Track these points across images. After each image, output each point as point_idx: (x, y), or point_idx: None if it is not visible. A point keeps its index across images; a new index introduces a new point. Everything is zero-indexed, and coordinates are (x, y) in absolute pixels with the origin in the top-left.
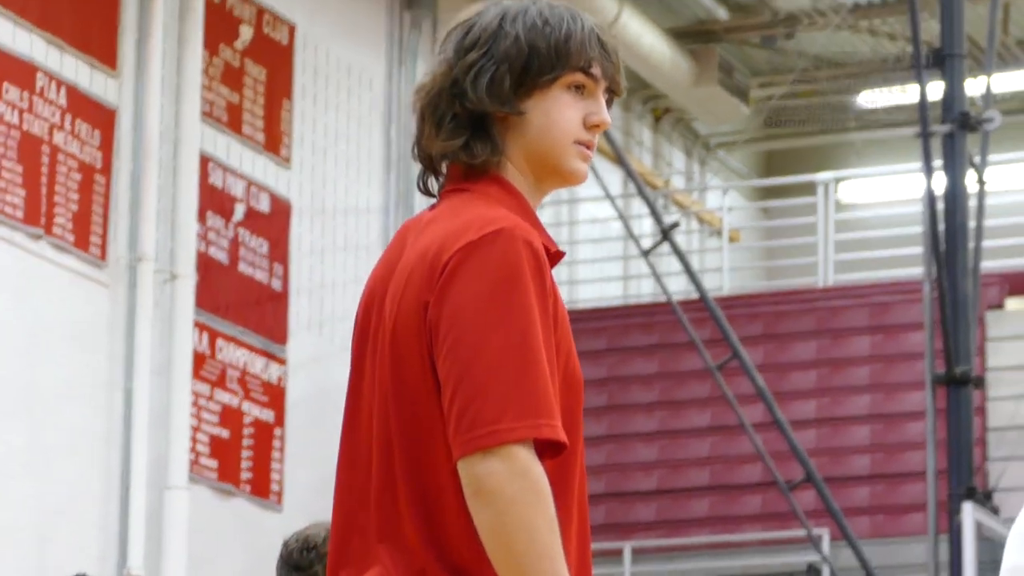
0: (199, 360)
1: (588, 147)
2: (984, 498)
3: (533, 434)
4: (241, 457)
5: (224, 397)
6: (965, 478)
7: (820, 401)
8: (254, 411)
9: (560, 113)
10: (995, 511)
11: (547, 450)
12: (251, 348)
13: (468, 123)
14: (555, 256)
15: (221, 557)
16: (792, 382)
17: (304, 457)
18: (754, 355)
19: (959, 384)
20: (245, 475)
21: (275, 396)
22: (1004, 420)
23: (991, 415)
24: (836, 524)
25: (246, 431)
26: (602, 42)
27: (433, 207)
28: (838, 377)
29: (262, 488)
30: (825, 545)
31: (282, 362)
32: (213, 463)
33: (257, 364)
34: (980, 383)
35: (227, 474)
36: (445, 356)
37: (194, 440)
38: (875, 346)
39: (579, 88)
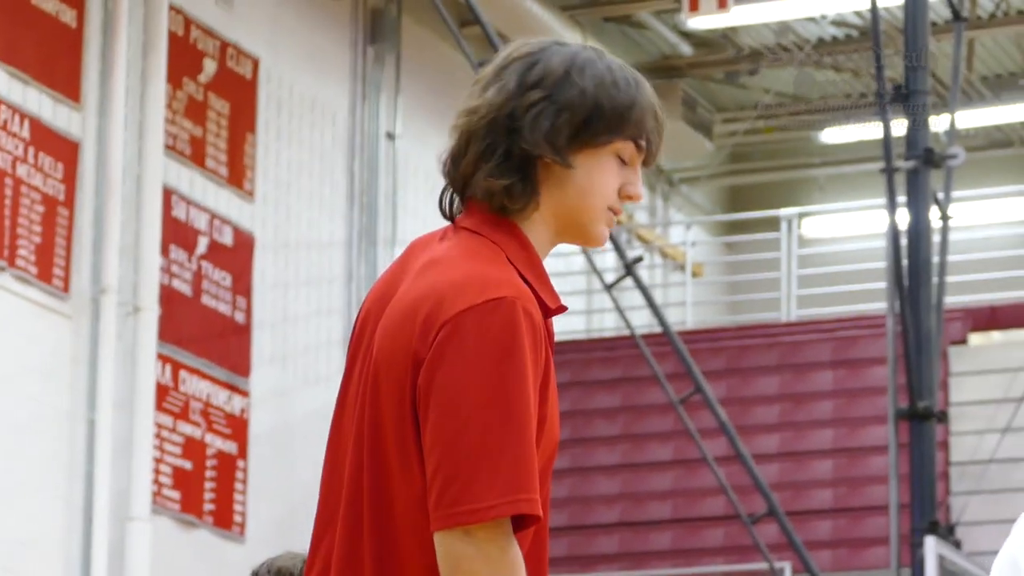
0: (162, 392)
1: (616, 214)
2: (947, 532)
3: (512, 511)
4: (204, 488)
5: (187, 429)
6: (928, 512)
7: (783, 435)
8: (217, 443)
9: (603, 177)
10: (957, 545)
11: (524, 520)
12: (214, 380)
13: (517, 164)
14: (556, 311)
15: None
16: (755, 416)
17: (267, 489)
18: (717, 389)
19: (922, 419)
20: (208, 507)
21: (238, 428)
22: (967, 455)
23: (954, 449)
24: (798, 557)
25: (209, 463)
26: (657, 118)
27: (444, 235)
28: (801, 411)
29: (225, 520)
30: None
31: (245, 394)
32: (176, 494)
33: (220, 396)
34: (943, 418)
35: (190, 505)
36: (433, 424)
37: (157, 471)
38: (838, 380)
39: (623, 160)
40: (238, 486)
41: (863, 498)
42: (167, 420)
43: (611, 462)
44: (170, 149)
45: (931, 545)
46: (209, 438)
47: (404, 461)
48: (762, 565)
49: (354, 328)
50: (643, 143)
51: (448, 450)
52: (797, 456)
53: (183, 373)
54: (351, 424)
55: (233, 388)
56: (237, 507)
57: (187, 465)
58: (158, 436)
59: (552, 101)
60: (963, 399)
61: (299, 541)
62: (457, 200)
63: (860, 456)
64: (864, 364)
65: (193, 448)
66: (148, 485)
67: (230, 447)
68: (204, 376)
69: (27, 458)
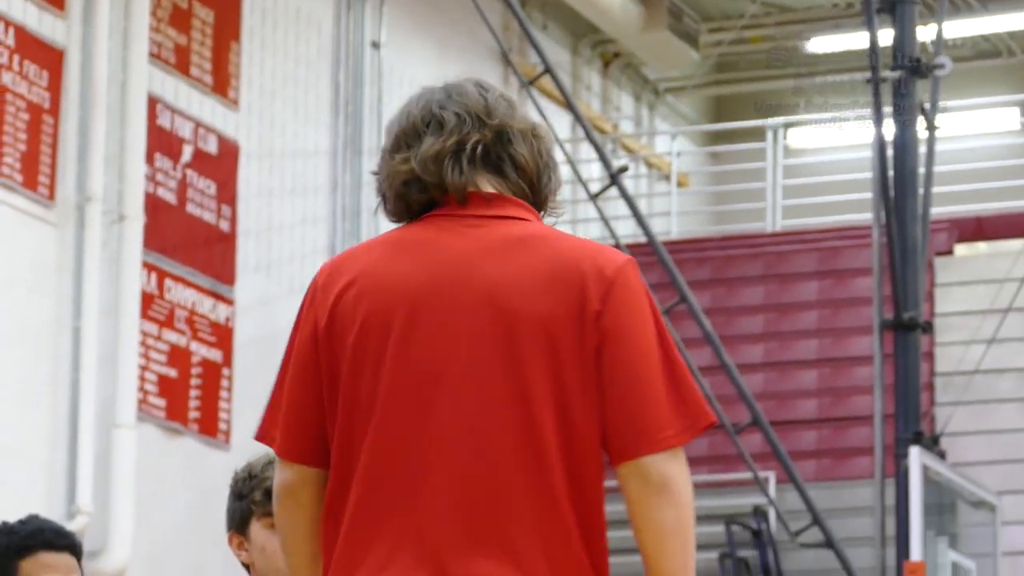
0: (147, 300)
1: None
2: (931, 443)
3: (692, 436)
4: (189, 396)
5: (172, 337)
6: (912, 423)
7: (767, 345)
8: (202, 351)
9: None
10: (942, 455)
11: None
12: (199, 288)
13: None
14: None
15: (169, 495)
16: (740, 326)
17: (252, 397)
18: (702, 299)
19: (907, 329)
20: (193, 414)
21: (223, 336)
22: (951, 365)
23: (939, 360)
24: (783, 467)
25: (194, 371)
26: None
27: (481, 223)
28: (786, 321)
29: (210, 427)
30: (771, 488)
31: (230, 303)
32: (161, 402)
33: (205, 304)
34: (928, 328)
35: (175, 413)
36: (626, 361)
37: (142, 379)
38: (823, 291)
39: None
40: (223, 394)
41: (848, 408)
42: (152, 328)
43: None
44: (155, 57)
45: (915, 455)
46: (194, 346)
47: (588, 403)
48: (746, 475)
49: (368, 314)
50: None
51: (635, 383)
52: (782, 366)
53: (168, 281)
54: (413, 410)
55: (218, 296)
56: (222, 415)
57: (172, 373)
58: (143, 344)
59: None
60: (948, 310)
61: None
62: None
63: (845, 366)
64: (849, 274)
65: (178, 356)
66: (133, 393)
67: (215, 355)
68: (189, 284)
69: (12, 366)
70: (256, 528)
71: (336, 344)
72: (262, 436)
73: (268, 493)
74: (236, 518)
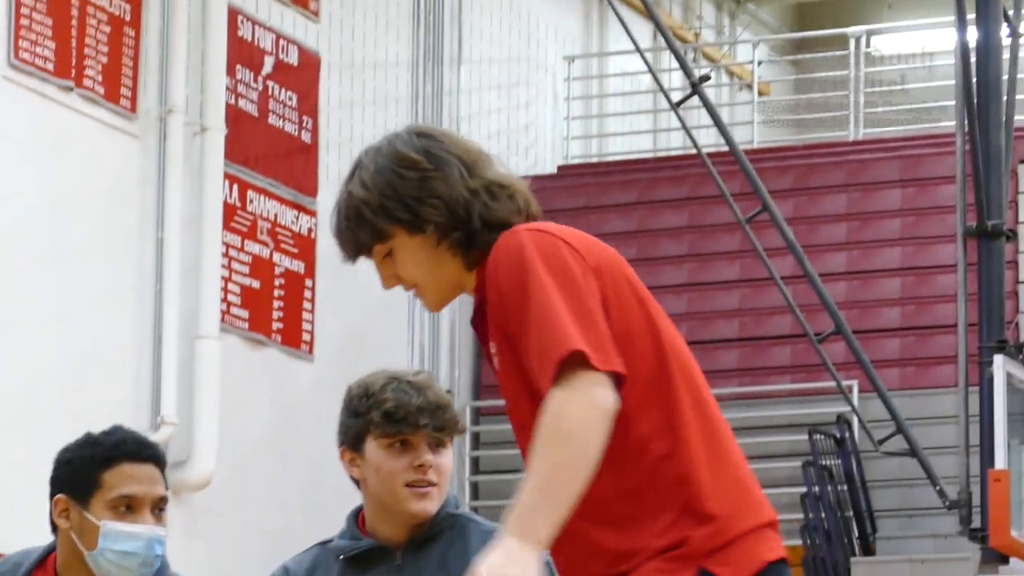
0: (229, 212)
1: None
2: (1015, 351)
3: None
4: (272, 307)
5: (255, 248)
6: (996, 331)
7: (850, 254)
8: (285, 262)
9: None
10: None
11: None
12: (281, 200)
13: None
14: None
15: (252, 405)
16: (822, 235)
17: (334, 308)
18: (784, 208)
19: (990, 237)
20: (276, 325)
21: (305, 248)
22: None
23: (1023, 268)
24: (866, 376)
25: (277, 282)
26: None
27: None
28: (869, 230)
29: (293, 338)
30: (855, 396)
31: (312, 214)
32: (244, 313)
33: (287, 216)
34: (1012, 236)
35: (258, 324)
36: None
37: (225, 291)
38: (906, 199)
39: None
40: (306, 305)
41: (931, 317)
42: (235, 239)
43: (677, 281)
44: None
45: (999, 363)
46: (277, 257)
47: None
48: (829, 383)
49: (628, 274)
50: None
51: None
52: (864, 275)
53: (250, 193)
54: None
55: (300, 208)
56: (305, 326)
57: (255, 284)
58: (226, 255)
59: None
60: None
61: (366, 359)
62: None
63: (928, 275)
64: (932, 183)
65: (261, 267)
66: (216, 304)
67: (298, 266)
68: (271, 196)
69: (96, 279)
70: (372, 447)
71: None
72: (610, 361)
73: (387, 415)
74: (350, 434)
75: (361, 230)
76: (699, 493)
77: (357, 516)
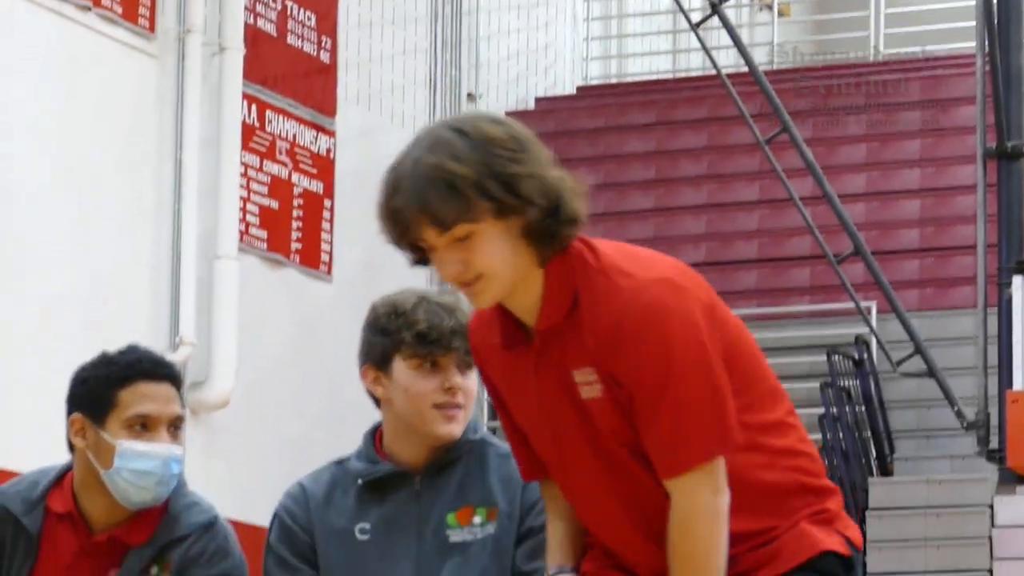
0: (248, 132)
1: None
2: None
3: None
4: (291, 228)
5: (273, 168)
6: (1015, 252)
7: (870, 175)
8: (303, 182)
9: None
10: None
11: None
12: (300, 120)
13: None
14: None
15: (270, 326)
16: (842, 156)
17: (353, 229)
18: (803, 129)
19: (1010, 158)
20: (295, 246)
21: (324, 168)
22: None
23: None
24: (884, 296)
25: (295, 202)
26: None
27: None
28: (888, 151)
29: (311, 259)
30: (873, 317)
31: (331, 134)
32: (262, 234)
33: (306, 136)
34: None
35: (277, 245)
36: None
37: (243, 211)
38: (926, 120)
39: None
40: (324, 225)
41: (950, 238)
42: (253, 160)
43: (697, 202)
44: None
45: (1018, 284)
46: (295, 177)
47: None
48: (848, 304)
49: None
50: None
51: None
52: (884, 196)
53: (269, 113)
54: None
55: (319, 128)
56: (324, 246)
57: (274, 204)
58: (244, 175)
59: None
60: None
61: (384, 281)
62: None
63: (947, 196)
64: (952, 103)
65: (279, 187)
66: (235, 224)
67: (316, 186)
68: (290, 116)
69: (115, 199)
70: (401, 368)
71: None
72: (734, 440)
73: (420, 336)
74: (376, 353)
75: (449, 204)
76: (813, 474)
77: (374, 435)
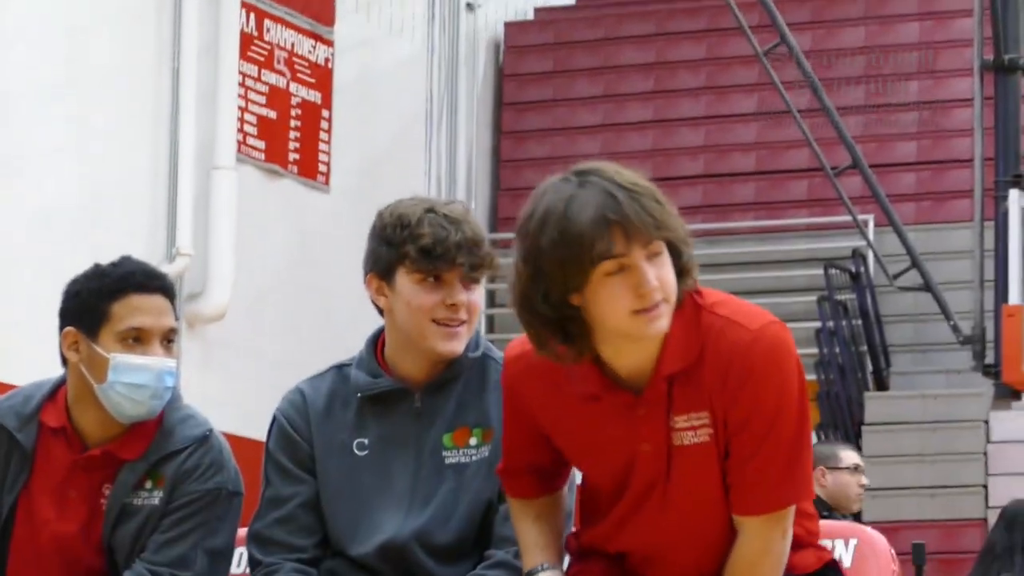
0: (246, 40)
1: (654, 307)
2: None
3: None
4: (288, 138)
5: (271, 78)
6: (1012, 165)
7: (867, 87)
8: (301, 92)
9: (607, 300)
10: None
11: None
12: (298, 29)
13: (553, 328)
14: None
15: (268, 236)
16: (839, 68)
17: (351, 139)
18: (802, 41)
19: (1007, 71)
20: (292, 156)
21: (322, 77)
22: None
23: None
24: (882, 210)
25: (293, 112)
26: (610, 220)
27: None
28: (886, 63)
29: (309, 169)
30: (870, 231)
31: (329, 44)
32: (260, 144)
33: (304, 45)
34: None
35: (274, 155)
36: None
37: (241, 121)
38: (924, 32)
39: (620, 269)
40: (322, 135)
41: (947, 151)
42: (251, 69)
43: (695, 114)
44: None
45: (1015, 198)
46: (293, 87)
47: None
48: (845, 217)
49: None
50: (617, 251)
51: None
52: (881, 109)
53: (267, 22)
54: None
55: (317, 37)
56: (321, 157)
57: (272, 114)
58: (242, 85)
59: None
60: None
61: (382, 193)
62: None
63: (945, 109)
64: (950, 15)
65: (277, 97)
66: (233, 134)
67: (314, 96)
68: (288, 25)
69: (113, 107)
70: (404, 280)
71: None
72: (810, 494)
73: (423, 251)
74: (380, 263)
75: (660, 210)
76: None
77: (376, 342)
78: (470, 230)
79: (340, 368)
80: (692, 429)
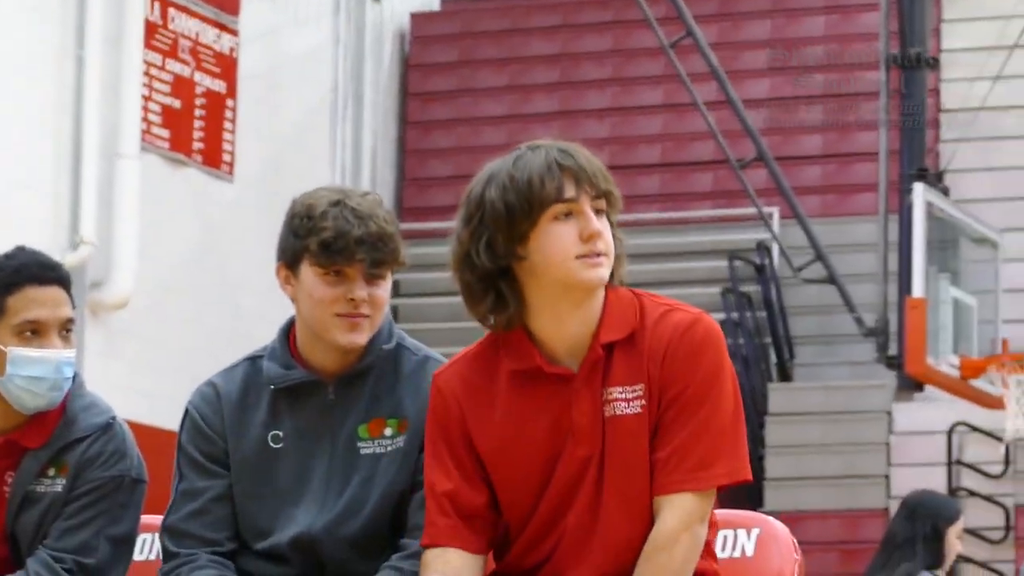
0: (151, 29)
1: (597, 255)
2: (935, 179)
3: None
4: (193, 127)
5: (176, 67)
6: (917, 159)
7: (773, 80)
8: (206, 81)
9: (553, 243)
10: (945, 192)
11: None
12: (203, 18)
13: (488, 286)
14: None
15: (172, 225)
16: (745, 61)
17: (256, 129)
18: (708, 33)
19: (913, 65)
20: (197, 145)
21: (227, 67)
22: (957, 102)
23: (944, 96)
24: (786, 202)
25: (198, 101)
26: (562, 165)
27: None
28: (792, 56)
29: (213, 158)
30: (775, 223)
31: (234, 33)
32: (165, 133)
33: (209, 34)
34: (934, 64)
35: (179, 144)
36: None
37: (146, 109)
38: (830, 25)
39: (567, 214)
40: (227, 125)
41: (853, 144)
42: (156, 58)
43: (601, 105)
44: None
45: (919, 192)
46: (198, 76)
47: None
48: (750, 210)
49: None
50: (568, 195)
51: None
52: (787, 101)
53: (172, 11)
54: None
55: (222, 26)
56: (226, 146)
57: (176, 103)
58: (147, 74)
59: (482, 224)
60: (955, 46)
61: (287, 182)
62: None
63: (851, 102)
64: (856, 9)
65: (182, 86)
66: (137, 123)
67: (219, 86)
68: (193, 14)
69: (16, 95)
70: (308, 273)
71: None
72: (744, 475)
73: (324, 244)
74: (288, 253)
75: (606, 176)
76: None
77: (289, 332)
78: (375, 225)
79: (253, 360)
80: (626, 400)
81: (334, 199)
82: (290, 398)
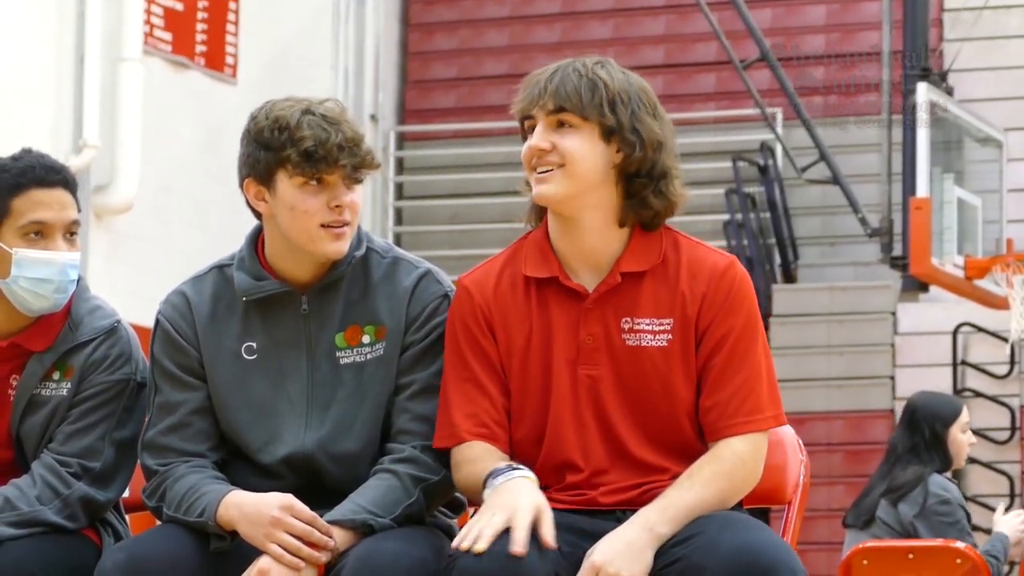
0: None
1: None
2: (939, 79)
3: None
4: (196, 30)
5: None
6: (920, 59)
7: None
8: None
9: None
10: (949, 92)
11: None
12: None
13: None
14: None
15: (175, 129)
16: None
17: (258, 31)
18: None
19: None
20: (199, 48)
21: None
22: (960, 1)
23: None
24: (790, 103)
25: (200, 3)
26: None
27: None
28: None
29: (216, 61)
30: (778, 124)
31: None
32: (167, 36)
33: None
34: None
35: (181, 47)
36: None
37: (148, 12)
38: None
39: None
40: (230, 27)
41: (856, 44)
42: None
43: (604, 7)
44: None
45: (923, 92)
46: None
47: None
48: (753, 110)
49: None
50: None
51: None
52: (790, 1)
53: None
54: None
55: None
56: (229, 49)
57: (178, 6)
58: None
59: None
60: None
61: (289, 83)
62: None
63: (853, 1)
64: None
65: None
66: (140, 26)
67: None
68: None
69: (17, 0)
70: (286, 185)
71: None
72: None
73: (305, 154)
74: (259, 168)
75: (577, 93)
76: None
77: (256, 241)
78: (349, 130)
79: (221, 268)
80: (652, 333)
81: (302, 108)
82: (262, 309)
